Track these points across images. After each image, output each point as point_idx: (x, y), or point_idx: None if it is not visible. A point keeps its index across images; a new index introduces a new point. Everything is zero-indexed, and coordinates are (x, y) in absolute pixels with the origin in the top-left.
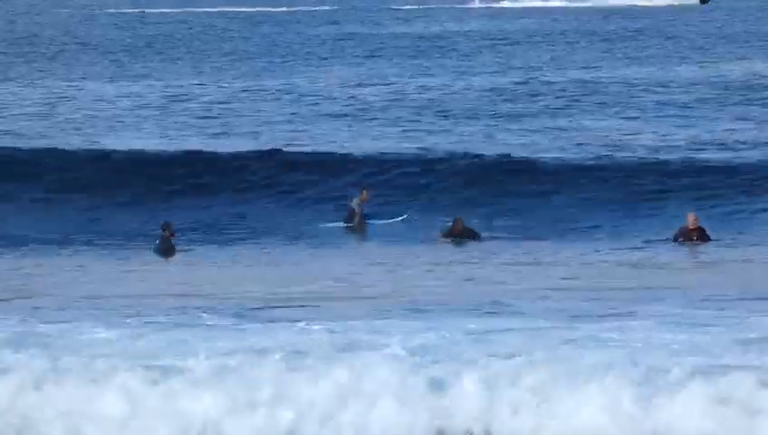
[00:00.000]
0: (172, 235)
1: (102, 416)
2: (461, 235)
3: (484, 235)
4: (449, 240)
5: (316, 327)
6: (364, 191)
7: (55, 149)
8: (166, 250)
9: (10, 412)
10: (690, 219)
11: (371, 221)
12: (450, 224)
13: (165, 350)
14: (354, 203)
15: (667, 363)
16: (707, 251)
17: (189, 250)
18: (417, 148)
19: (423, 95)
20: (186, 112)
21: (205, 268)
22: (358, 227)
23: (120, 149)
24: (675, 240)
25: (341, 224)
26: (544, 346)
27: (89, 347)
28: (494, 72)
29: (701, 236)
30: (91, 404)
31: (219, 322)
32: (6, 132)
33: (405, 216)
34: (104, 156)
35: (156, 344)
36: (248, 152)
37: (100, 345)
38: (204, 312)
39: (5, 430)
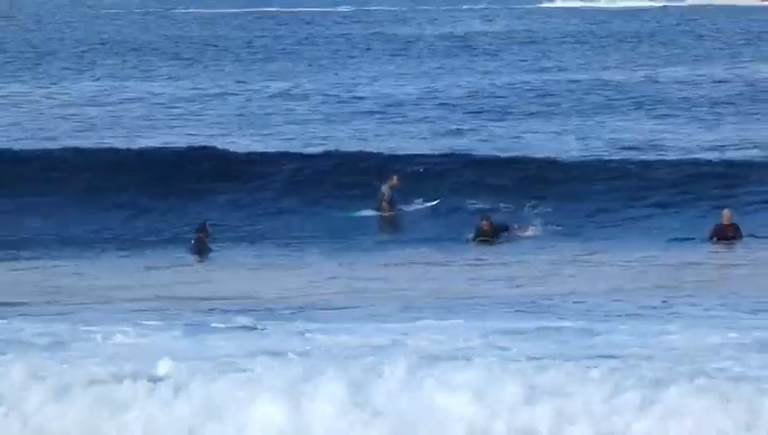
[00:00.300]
0: (207, 235)
1: (122, 423)
2: (491, 234)
3: (535, 225)
4: (477, 241)
5: (323, 335)
6: (394, 177)
7: (82, 150)
8: (200, 251)
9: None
10: (726, 216)
11: (402, 207)
12: (482, 222)
13: (188, 353)
14: (384, 188)
15: (680, 368)
16: (742, 250)
17: (222, 250)
18: (448, 145)
19: (452, 93)
20: (213, 111)
21: (235, 270)
22: (386, 211)
23: (147, 147)
24: (710, 238)
25: (371, 212)
26: (564, 348)
27: (111, 351)
28: (524, 72)
29: (736, 232)
30: (109, 410)
31: (246, 324)
32: (33, 132)
33: (437, 201)
34: (131, 155)
35: (181, 347)
36: (277, 152)
37: (122, 349)
38: (234, 314)
39: None
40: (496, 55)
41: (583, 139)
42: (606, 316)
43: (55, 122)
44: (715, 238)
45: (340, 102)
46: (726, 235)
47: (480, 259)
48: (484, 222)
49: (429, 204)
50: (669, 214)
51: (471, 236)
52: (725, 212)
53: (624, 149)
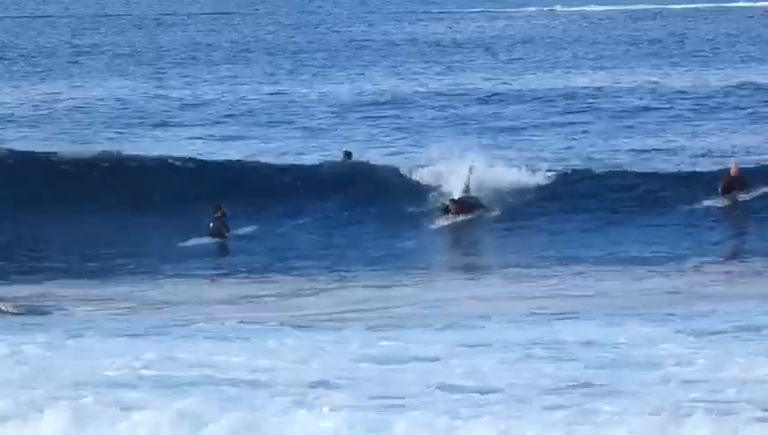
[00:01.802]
0: (223, 215)
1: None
2: (462, 212)
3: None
4: (450, 219)
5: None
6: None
7: (95, 156)
8: (219, 231)
9: None
10: (733, 168)
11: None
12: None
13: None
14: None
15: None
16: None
17: (242, 235)
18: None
19: (466, 96)
20: (213, 117)
21: (250, 278)
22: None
23: (165, 156)
24: (722, 192)
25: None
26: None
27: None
28: (538, 76)
29: (743, 184)
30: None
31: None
32: (45, 136)
33: None
34: (141, 163)
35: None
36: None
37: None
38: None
39: None
40: (513, 58)
41: (600, 145)
42: (623, 321)
43: (67, 126)
44: (723, 192)
45: (351, 111)
46: (734, 187)
47: (488, 263)
48: (451, 202)
49: None
50: (689, 223)
51: (438, 214)
52: (733, 164)
53: (643, 156)
